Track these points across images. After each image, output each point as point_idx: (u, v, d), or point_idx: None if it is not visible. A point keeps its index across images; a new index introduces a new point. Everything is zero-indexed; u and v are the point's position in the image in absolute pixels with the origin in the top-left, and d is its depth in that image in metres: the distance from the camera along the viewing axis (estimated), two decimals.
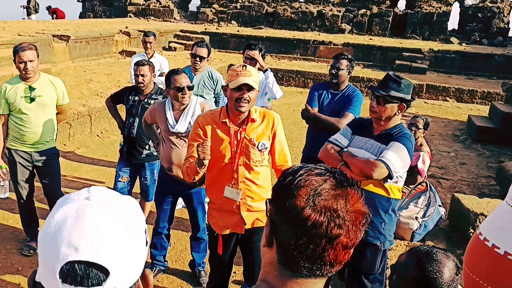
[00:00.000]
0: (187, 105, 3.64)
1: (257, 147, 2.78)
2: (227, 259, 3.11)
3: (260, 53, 4.72)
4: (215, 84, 4.93)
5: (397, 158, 2.74)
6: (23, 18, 17.95)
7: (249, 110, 2.79)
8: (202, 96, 4.76)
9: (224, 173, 2.84)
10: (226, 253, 3.05)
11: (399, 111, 2.84)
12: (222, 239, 2.99)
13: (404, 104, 2.84)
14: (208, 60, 4.92)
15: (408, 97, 2.85)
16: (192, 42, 15.51)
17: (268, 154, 2.89)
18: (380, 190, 2.87)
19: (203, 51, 4.79)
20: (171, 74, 3.58)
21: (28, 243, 4.18)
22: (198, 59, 4.78)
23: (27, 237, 4.25)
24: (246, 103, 2.69)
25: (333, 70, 4.07)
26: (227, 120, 2.80)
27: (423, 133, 4.56)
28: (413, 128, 4.48)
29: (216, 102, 5.03)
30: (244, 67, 2.72)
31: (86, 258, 0.80)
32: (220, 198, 2.87)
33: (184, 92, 3.53)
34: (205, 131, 2.84)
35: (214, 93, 4.97)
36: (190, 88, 3.58)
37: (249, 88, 2.67)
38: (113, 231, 0.84)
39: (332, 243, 0.98)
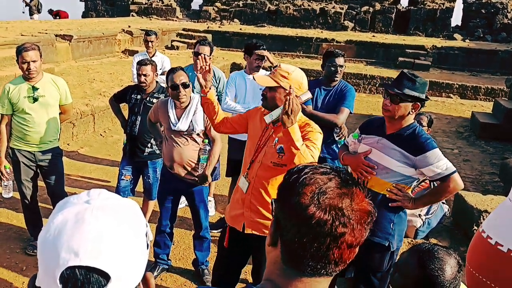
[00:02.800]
0: (189, 103, 3.64)
1: (276, 148, 2.73)
2: (230, 257, 3.07)
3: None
4: (218, 82, 4.93)
5: (444, 160, 2.74)
6: (23, 12, 17.94)
7: None
8: None
9: (246, 162, 2.88)
10: (231, 250, 3.01)
11: (413, 110, 2.77)
12: (230, 233, 2.98)
13: (419, 104, 2.77)
14: (210, 58, 4.92)
15: (423, 96, 2.77)
16: (195, 41, 15.50)
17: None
18: (386, 192, 2.85)
19: (205, 50, 4.79)
20: (169, 73, 3.60)
21: (32, 243, 4.19)
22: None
23: (31, 237, 4.27)
24: (263, 99, 2.73)
25: (338, 68, 4.06)
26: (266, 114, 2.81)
27: (427, 131, 4.54)
28: None
29: (219, 101, 5.02)
30: (276, 66, 2.75)
31: (87, 263, 0.79)
32: (237, 187, 2.94)
33: (178, 90, 3.52)
34: (249, 116, 2.95)
35: (216, 91, 4.97)
36: (185, 86, 3.56)
37: (270, 87, 2.67)
38: (114, 235, 0.83)
39: (337, 242, 0.98)
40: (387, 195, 2.83)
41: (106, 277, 0.80)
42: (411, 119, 2.84)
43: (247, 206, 2.84)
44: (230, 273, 3.15)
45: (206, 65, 2.87)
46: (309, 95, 2.69)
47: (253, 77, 2.73)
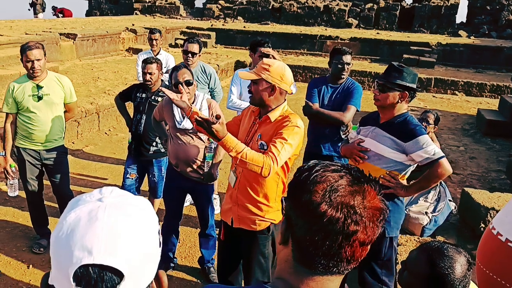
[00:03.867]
0: (193, 101, 3.63)
1: (258, 144, 2.74)
2: (228, 250, 3.12)
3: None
4: (209, 78, 4.92)
5: (432, 146, 2.83)
6: (29, 9, 18.01)
7: (275, 109, 2.71)
8: None
9: (236, 157, 2.87)
10: (226, 243, 3.08)
11: (402, 99, 2.88)
12: (224, 227, 3.05)
13: (407, 92, 2.87)
14: (200, 55, 4.92)
15: (411, 85, 2.88)
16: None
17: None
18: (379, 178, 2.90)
19: (194, 47, 4.79)
20: (172, 71, 3.58)
21: (38, 241, 4.20)
22: (190, 55, 4.77)
23: (37, 235, 4.28)
24: (250, 95, 2.74)
25: (346, 66, 4.04)
26: (255, 110, 2.84)
27: (434, 128, 4.51)
28: (423, 123, 4.44)
29: (212, 97, 5.00)
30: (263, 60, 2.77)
31: (100, 261, 0.79)
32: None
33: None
34: (242, 115, 2.99)
35: (208, 88, 4.96)
36: (189, 83, 3.53)
37: (254, 80, 2.69)
38: (127, 233, 0.83)
39: (349, 240, 0.97)
40: (380, 182, 2.85)
41: (120, 275, 0.80)
42: (403, 109, 2.94)
43: (234, 201, 2.87)
44: (232, 264, 3.18)
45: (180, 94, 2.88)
46: (220, 112, 2.68)
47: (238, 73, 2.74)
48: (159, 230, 0.91)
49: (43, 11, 18.28)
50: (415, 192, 3.13)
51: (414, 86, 2.90)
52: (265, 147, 2.68)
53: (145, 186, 4.65)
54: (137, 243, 0.83)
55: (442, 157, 2.81)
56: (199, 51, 4.85)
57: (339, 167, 1.04)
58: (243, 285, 3.22)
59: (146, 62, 4.16)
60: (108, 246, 0.80)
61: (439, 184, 4.12)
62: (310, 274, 1.02)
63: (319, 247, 0.98)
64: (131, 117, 4.49)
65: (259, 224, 2.83)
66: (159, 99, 4.12)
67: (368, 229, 0.98)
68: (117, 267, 0.79)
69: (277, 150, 2.54)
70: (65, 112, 4.14)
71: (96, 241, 0.80)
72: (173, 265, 4.03)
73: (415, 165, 2.98)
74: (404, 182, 3.01)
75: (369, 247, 1.02)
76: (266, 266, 2.99)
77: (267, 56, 4.44)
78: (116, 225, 0.82)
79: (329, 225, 0.96)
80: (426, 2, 18.98)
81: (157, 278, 0.92)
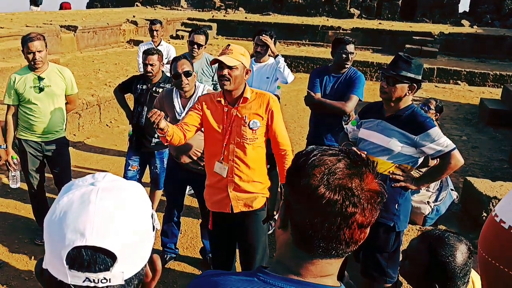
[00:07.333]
0: (194, 92, 3.61)
1: (248, 125, 2.84)
2: (222, 239, 3.18)
3: (272, 39, 4.66)
4: (214, 72, 4.90)
5: (444, 138, 2.81)
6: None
7: (244, 89, 2.84)
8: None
9: (216, 149, 2.94)
10: (218, 231, 3.14)
11: (410, 91, 2.82)
12: (213, 216, 3.11)
13: (415, 85, 2.82)
14: (205, 47, 4.90)
15: (419, 77, 2.83)
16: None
17: (264, 136, 2.92)
18: (388, 173, 2.87)
19: (200, 38, 4.77)
20: (172, 62, 3.57)
21: (40, 233, 4.21)
22: (195, 46, 4.76)
23: (39, 227, 4.29)
24: (226, 80, 2.76)
25: (349, 56, 4.00)
26: (222, 99, 2.88)
27: (435, 116, 4.47)
28: (424, 108, 4.40)
29: (215, 90, 4.99)
30: (228, 46, 2.84)
31: (93, 243, 0.79)
32: (213, 174, 2.98)
33: (180, 79, 3.49)
34: (202, 106, 2.97)
35: (212, 81, 4.94)
36: (188, 74, 3.52)
37: (229, 66, 2.73)
38: (119, 216, 0.83)
39: (347, 222, 0.98)
40: (390, 177, 2.86)
41: (113, 257, 0.80)
42: (409, 101, 2.89)
43: (232, 188, 2.92)
44: (225, 252, 3.25)
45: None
46: None
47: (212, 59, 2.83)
48: (152, 214, 0.91)
49: (36, 5, 17.50)
50: (426, 184, 3.09)
51: (420, 77, 2.85)
52: (258, 124, 2.83)
53: (146, 178, 4.65)
54: (130, 226, 0.84)
55: (454, 148, 2.78)
56: (205, 43, 4.83)
57: (336, 151, 1.04)
58: (237, 270, 3.28)
59: (147, 53, 4.14)
60: (101, 229, 0.80)
61: None
62: (310, 257, 1.03)
63: (318, 230, 0.99)
64: (131, 109, 4.47)
65: (259, 201, 2.96)
66: (160, 90, 4.10)
67: (366, 211, 0.99)
68: (109, 249, 0.80)
69: (286, 142, 2.93)
70: (66, 104, 4.13)
71: (88, 224, 0.80)
72: (175, 255, 4.04)
73: (423, 157, 2.96)
74: (413, 173, 2.99)
75: (368, 230, 1.03)
76: (265, 243, 3.12)
77: (263, 45, 4.48)
78: (109, 208, 0.82)
79: (328, 208, 0.97)
80: None
81: (151, 262, 0.92)
